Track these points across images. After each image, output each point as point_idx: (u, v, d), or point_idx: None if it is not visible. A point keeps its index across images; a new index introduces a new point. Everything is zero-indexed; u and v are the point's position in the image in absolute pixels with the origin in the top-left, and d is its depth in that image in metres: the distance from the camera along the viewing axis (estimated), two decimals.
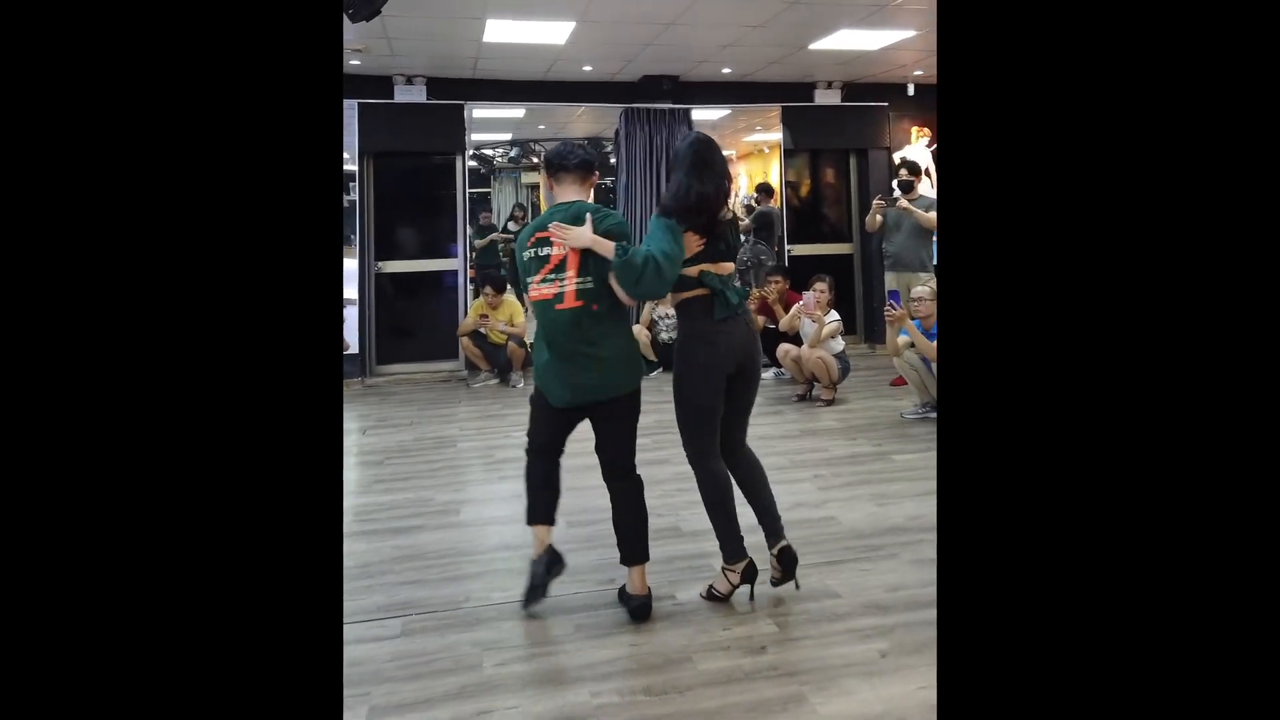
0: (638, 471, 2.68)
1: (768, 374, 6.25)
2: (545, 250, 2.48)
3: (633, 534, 2.59)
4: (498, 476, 4.05)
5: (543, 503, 2.67)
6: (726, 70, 6.51)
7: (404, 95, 6.30)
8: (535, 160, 11.25)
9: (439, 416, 5.41)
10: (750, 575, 2.62)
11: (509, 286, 6.36)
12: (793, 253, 7.24)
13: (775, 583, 2.66)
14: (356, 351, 6.38)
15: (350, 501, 3.91)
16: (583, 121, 7.62)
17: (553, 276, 2.47)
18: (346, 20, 3.30)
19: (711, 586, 2.68)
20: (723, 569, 2.66)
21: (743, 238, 7.28)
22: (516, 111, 7.27)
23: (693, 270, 2.53)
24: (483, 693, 2.17)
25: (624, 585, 2.61)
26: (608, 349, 2.48)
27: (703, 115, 7.17)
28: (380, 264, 6.55)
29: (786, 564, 2.64)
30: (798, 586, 2.67)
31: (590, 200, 2.59)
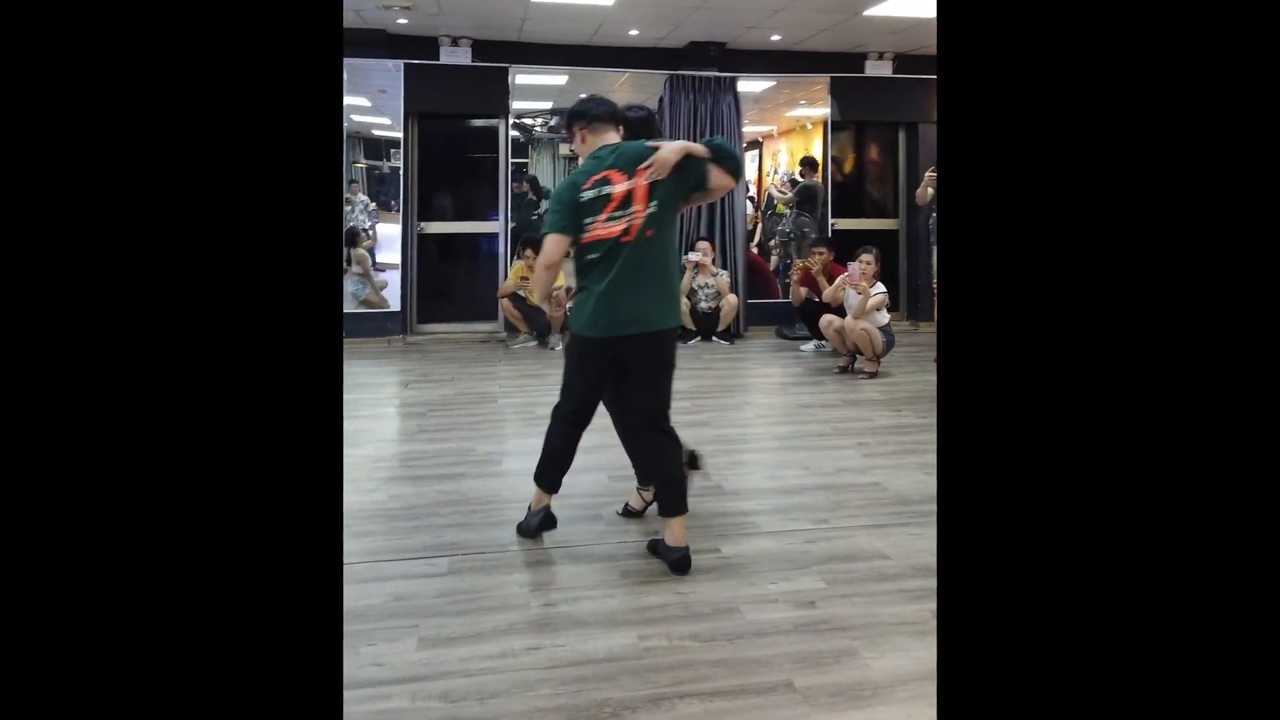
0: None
1: (808, 345, 6.19)
2: (607, 189, 2.49)
3: (671, 486, 2.57)
4: (537, 431, 4.02)
5: (559, 471, 2.74)
6: (775, 37, 6.39)
7: (449, 57, 6.26)
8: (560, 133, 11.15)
9: (479, 374, 5.43)
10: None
11: None
12: (836, 227, 7.13)
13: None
14: (398, 310, 6.41)
15: (395, 449, 3.94)
16: (625, 90, 7.53)
17: (619, 213, 2.49)
18: None
19: (627, 504, 2.95)
20: (637, 489, 2.91)
21: (787, 210, 7.20)
22: (559, 78, 7.20)
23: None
24: (530, 630, 2.17)
25: (660, 538, 2.59)
26: (659, 280, 2.53)
27: (747, 87, 7.04)
28: (423, 225, 6.57)
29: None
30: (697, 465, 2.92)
31: None
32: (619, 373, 2.63)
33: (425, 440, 3.98)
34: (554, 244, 2.53)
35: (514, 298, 6.24)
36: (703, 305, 6.45)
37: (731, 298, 6.44)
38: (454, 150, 6.81)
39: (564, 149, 12.17)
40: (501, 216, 6.68)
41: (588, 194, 2.50)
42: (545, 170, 13.37)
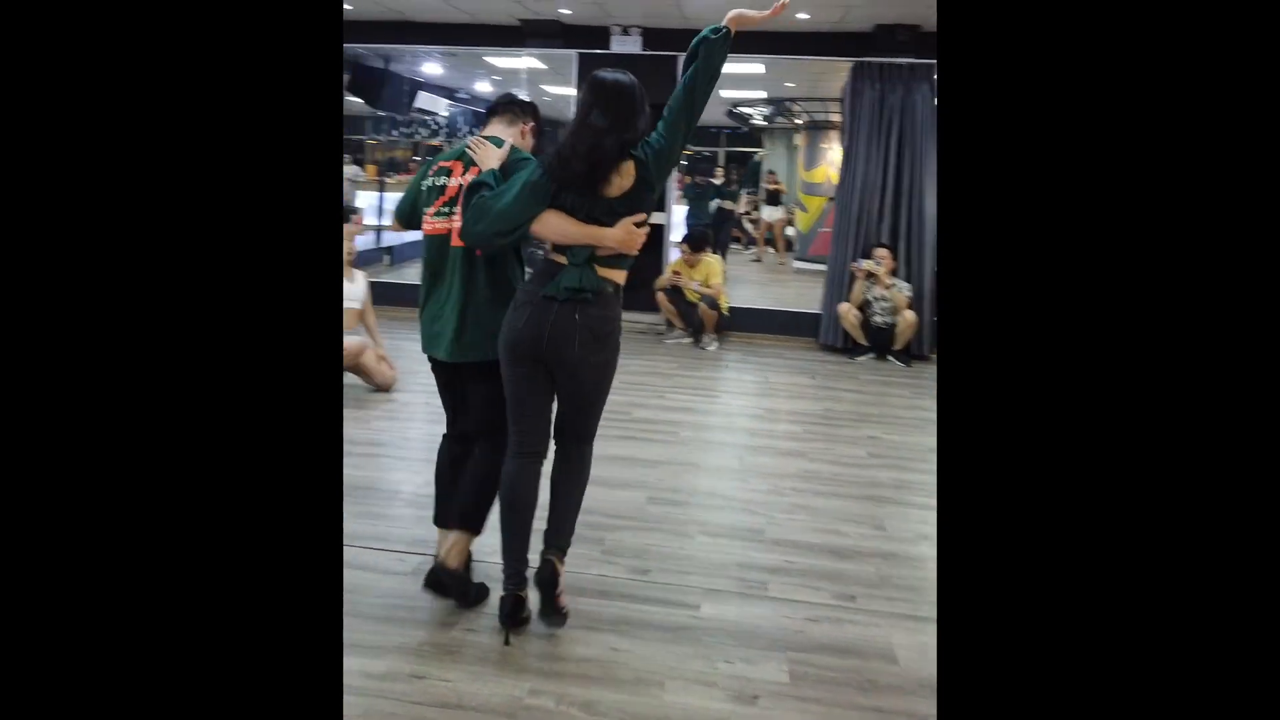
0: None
1: None
2: (443, 180, 2.24)
3: (467, 499, 2.25)
4: (618, 436, 3.87)
5: (441, 498, 2.37)
6: None
7: (620, 46, 6.15)
8: (797, 121, 10.63)
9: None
10: (507, 613, 2.11)
11: (709, 245, 6.08)
12: None
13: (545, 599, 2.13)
14: None
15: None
16: (839, 77, 6.97)
17: (446, 210, 2.21)
18: None
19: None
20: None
21: None
22: (755, 67, 6.82)
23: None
24: (431, 656, 2.03)
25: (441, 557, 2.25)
26: (481, 300, 2.17)
27: None
28: None
29: (542, 579, 2.12)
30: (559, 612, 2.15)
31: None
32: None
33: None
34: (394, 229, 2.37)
35: (672, 292, 6.07)
36: (877, 319, 5.82)
37: (909, 314, 5.73)
38: None
39: (797, 139, 11.64)
40: (667, 205, 6.52)
41: (427, 182, 2.27)
42: (780, 160, 12.86)
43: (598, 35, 6.17)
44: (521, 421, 2.13)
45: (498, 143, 2.20)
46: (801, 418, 4.38)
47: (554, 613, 2.15)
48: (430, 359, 2.31)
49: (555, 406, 2.19)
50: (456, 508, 2.28)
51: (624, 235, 2.02)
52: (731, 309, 6.20)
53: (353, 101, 7.42)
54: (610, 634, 2.17)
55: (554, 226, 2.02)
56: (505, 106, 2.33)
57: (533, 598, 2.16)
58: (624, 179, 2.02)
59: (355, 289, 4.46)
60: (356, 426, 3.85)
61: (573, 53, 6.20)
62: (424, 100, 8.31)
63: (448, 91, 8.90)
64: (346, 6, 5.85)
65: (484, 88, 8.94)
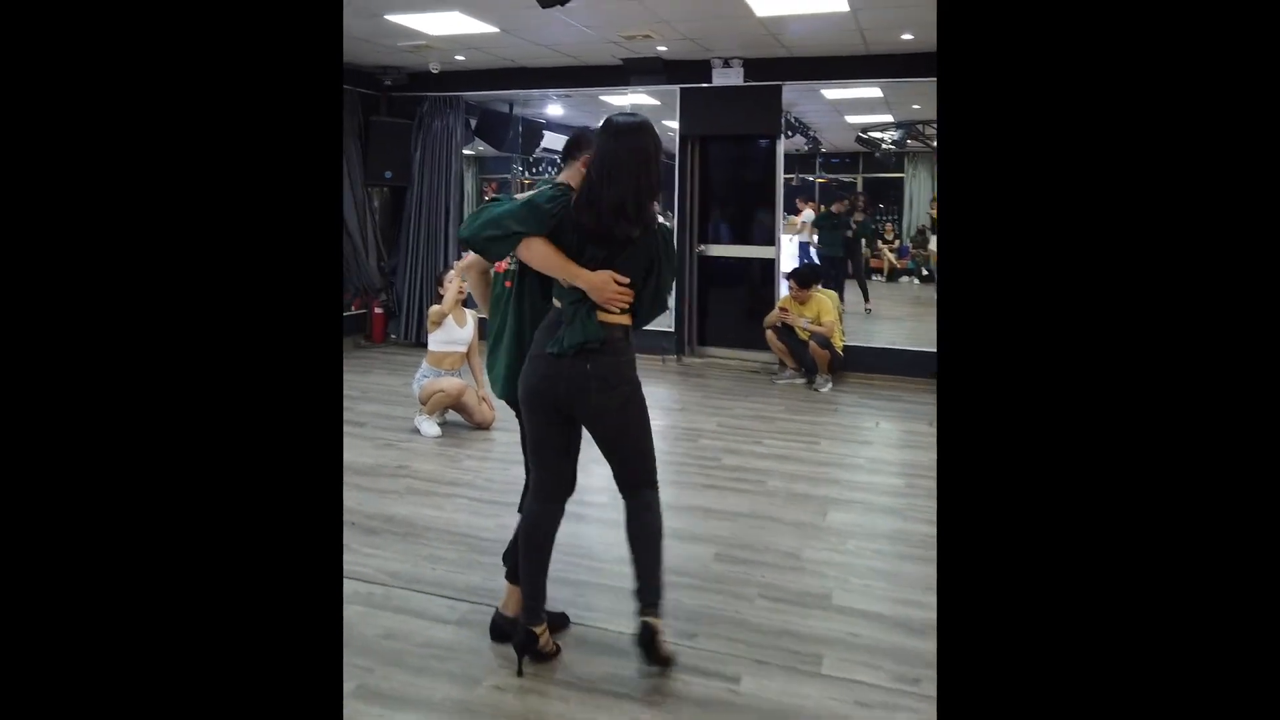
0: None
1: None
2: None
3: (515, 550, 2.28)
4: (702, 484, 3.75)
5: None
6: None
7: (722, 79, 6.10)
8: (928, 144, 10.06)
9: (711, 408, 5.22)
10: (519, 644, 2.16)
11: (819, 280, 5.84)
12: None
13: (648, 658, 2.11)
14: (672, 329, 6.49)
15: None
16: (908, 100, 6.58)
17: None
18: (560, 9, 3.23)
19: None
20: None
21: None
22: (871, 91, 6.52)
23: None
24: (452, 714, 2.01)
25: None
26: (520, 342, 2.21)
27: None
28: (702, 247, 6.54)
29: (643, 642, 2.08)
30: (668, 664, 2.14)
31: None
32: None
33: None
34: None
35: (782, 330, 5.88)
36: None
37: None
38: (730, 171, 6.65)
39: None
40: (777, 238, 6.34)
41: None
42: (923, 185, 12.26)
43: (699, 69, 6.16)
44: (543, 467, 2.16)
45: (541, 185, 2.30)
46: (907, 470, 4.06)
47: (659, 662, 2.14)
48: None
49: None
50: (510, 557, 2.34)
51: (599, 283, 2.00)
52: (848, 347, 5.93)
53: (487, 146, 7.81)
54: (637, 704, 2.07)
55: (537, 252, 2.03)
56: (563, 157, 2.33)
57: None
58: (631, 234, 2.01)
59: (464, 332, 4.61)
60: (446, 465, 3.97)
61: (675, 88, 6.21)
62: (549, 140, 8.66)
63: (571, 131, 9.20)
64: (458, 57, 6.16)
65: None
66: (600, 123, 2.10)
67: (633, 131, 2.02)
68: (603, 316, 2.05)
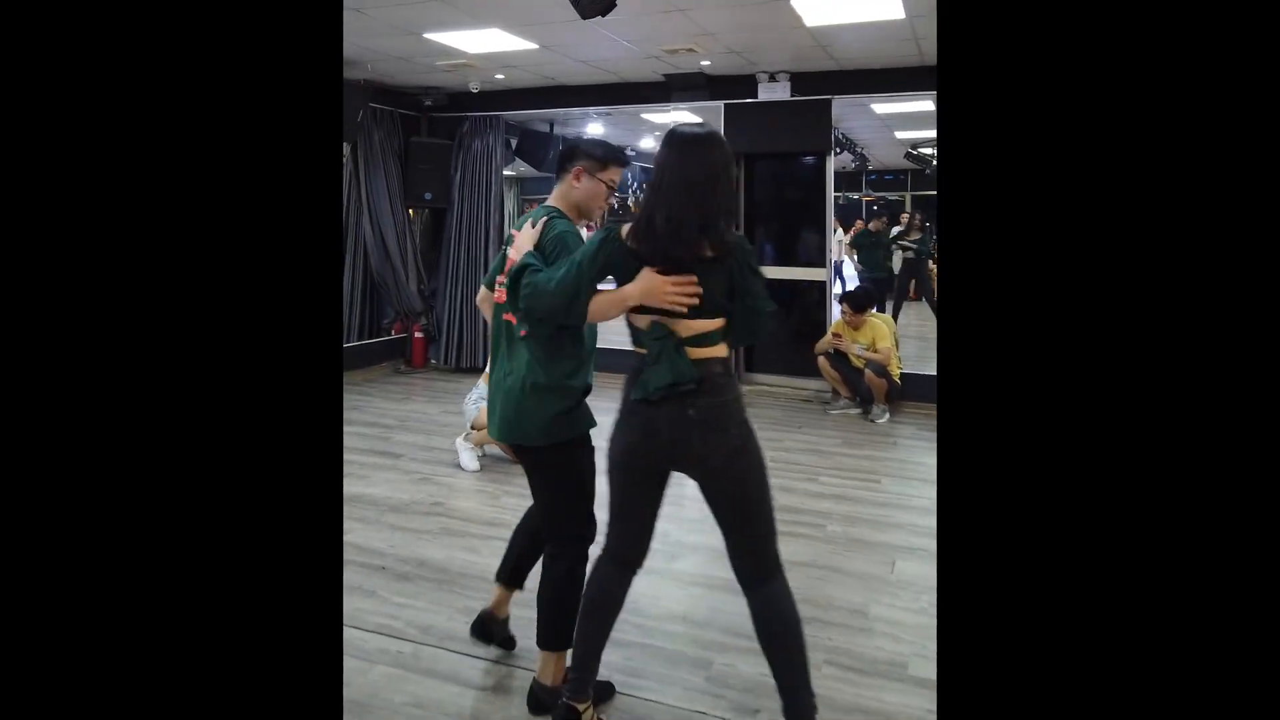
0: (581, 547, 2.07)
1: None
2: (507, 249, 2.10)
3: (546, 614, 2.07)
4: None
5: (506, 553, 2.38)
6: None
7: (768, 94, 5.84)
8: None
9: (761, 440, 4.93)
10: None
11: (874, 304, 5.55)
12: None
13: None
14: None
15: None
16: None
17: (507, 283, 2.01)
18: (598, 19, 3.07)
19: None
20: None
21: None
22: (923, 104, 6.24)
23: (642, 320, 1.78)
24: None
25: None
26: (517, 382, 1.96)
27: None
28: None
29: None
30: None
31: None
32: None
33: None
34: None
35: (835, 357, 5.59)
36: None
37: None
38: (778, 189, 6.36)
39: None
40: (828, 260, 6.06)
41: (501, 251, 2.17)
42: None
43: (744, 84, 5.93)
44: (621, 527, 1.91)
45: (540, 210, 2.07)
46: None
47: None
48: None
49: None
50: (537, 628, 2.08)
51: (651, 286, 1.72)
52: (905, 375, 5.61)
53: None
54: None
55: (596, 305, 1.79)
56: (556, 172, 2.14)
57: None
58: (700, 254, 1.73)
59: None
60: (484, 503, 3.77)
61: (719, 104, 6.01)
62: None
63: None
64: (498, 76, 6.03)
65: (647, 144, 8.97)
66: (663, 139, 1.83)
67: (699, 143, 1.75)
68: (694, 352, 1.74)
